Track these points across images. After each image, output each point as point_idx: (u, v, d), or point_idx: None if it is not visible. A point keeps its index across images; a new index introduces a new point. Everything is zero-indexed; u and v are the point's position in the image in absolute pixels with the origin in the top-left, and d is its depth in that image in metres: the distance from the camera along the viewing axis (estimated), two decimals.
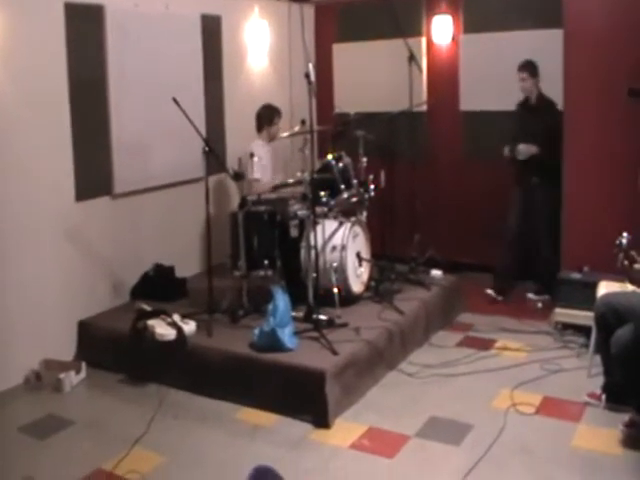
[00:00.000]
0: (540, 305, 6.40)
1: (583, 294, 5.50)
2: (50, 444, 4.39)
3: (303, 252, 5.58)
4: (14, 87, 5.01)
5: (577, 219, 5.94)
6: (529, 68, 6.29)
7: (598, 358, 4.69)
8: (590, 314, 4.86)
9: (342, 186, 5.81)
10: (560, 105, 6.09)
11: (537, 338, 5.76)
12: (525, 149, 6.25)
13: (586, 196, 5.89)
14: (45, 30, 5.23)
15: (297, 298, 5.25)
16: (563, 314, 5.83)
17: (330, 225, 5.71)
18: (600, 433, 4.29)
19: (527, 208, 6.44)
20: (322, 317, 5.20)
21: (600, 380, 4.64)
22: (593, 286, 5.20)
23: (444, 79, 7.51)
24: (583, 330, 5.53)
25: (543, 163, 6.24)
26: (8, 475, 4.01)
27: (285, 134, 6.11)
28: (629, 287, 4.52)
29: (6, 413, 4.78)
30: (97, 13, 5.59)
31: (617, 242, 4.14)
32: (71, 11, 5.37)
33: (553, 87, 6.19)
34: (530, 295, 6.61)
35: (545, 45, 6.60)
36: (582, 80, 5.81)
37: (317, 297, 5.25)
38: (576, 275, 5.81)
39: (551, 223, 6.26)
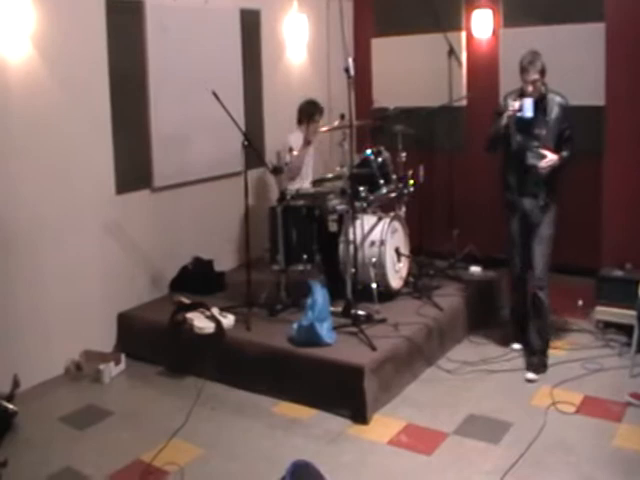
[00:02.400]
0: (580, 303, 6.30)
1: (625, 292, 5.43)
2: (89, 434, 4.44)
3: (342, 247, 5.56)
4: (56, 81, 5.06)
5: (618, 215, 5.86)
6: (539, 66, 4.89)
7: None
8: (632, 312, 4.81)
9: (381, 181, 5.80)
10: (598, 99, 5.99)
11: (578, 336, 5.68)
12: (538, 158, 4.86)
13: (628, 191, 5.81)
14: (87, 24, 5.28)
15: (335, 293, 5.24)
16: (604, 312, 5.75)
17: (369, 220, 5.70)
18: None
19: (526, 241, 5.12)
20: (361, 312, 5.18)
21: None
22: (636, 283, 5.13)
23: (484, 73, 7.42)
24: (625, 328, 5.45)
25: (555, 175, 4.97)
26: (48, 464, 4.05)
27: (324, 128, 6.10)
28: None
29: (46, 403, 4.84)
30: (137, 8, 5.64)
31: None
32: (112, 6, 5.42)
33: (594, 81, 6.10)
34: (529, 375, 5.01)
35: (586, 39, 6.52)
36: (624, 73, 5.74)
37: (355, 292, 5.23)
38: (618, 272, 5.74)
39: (549, 260, 5.10)
